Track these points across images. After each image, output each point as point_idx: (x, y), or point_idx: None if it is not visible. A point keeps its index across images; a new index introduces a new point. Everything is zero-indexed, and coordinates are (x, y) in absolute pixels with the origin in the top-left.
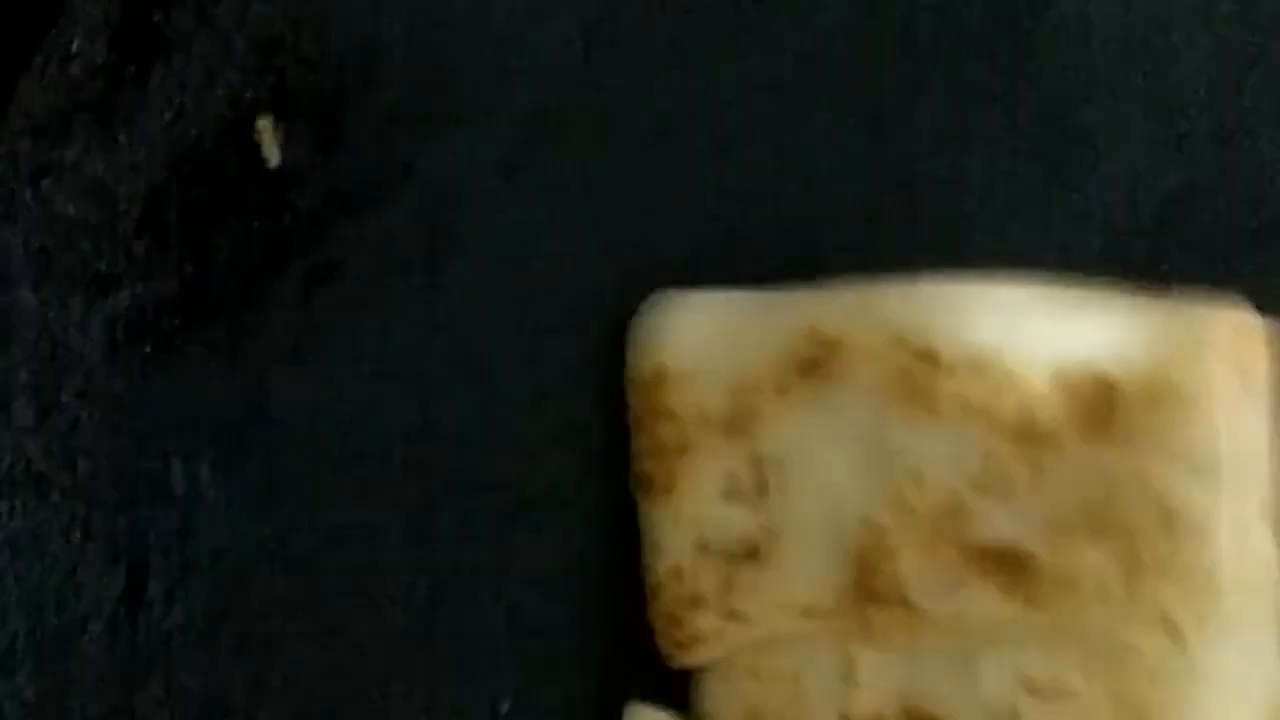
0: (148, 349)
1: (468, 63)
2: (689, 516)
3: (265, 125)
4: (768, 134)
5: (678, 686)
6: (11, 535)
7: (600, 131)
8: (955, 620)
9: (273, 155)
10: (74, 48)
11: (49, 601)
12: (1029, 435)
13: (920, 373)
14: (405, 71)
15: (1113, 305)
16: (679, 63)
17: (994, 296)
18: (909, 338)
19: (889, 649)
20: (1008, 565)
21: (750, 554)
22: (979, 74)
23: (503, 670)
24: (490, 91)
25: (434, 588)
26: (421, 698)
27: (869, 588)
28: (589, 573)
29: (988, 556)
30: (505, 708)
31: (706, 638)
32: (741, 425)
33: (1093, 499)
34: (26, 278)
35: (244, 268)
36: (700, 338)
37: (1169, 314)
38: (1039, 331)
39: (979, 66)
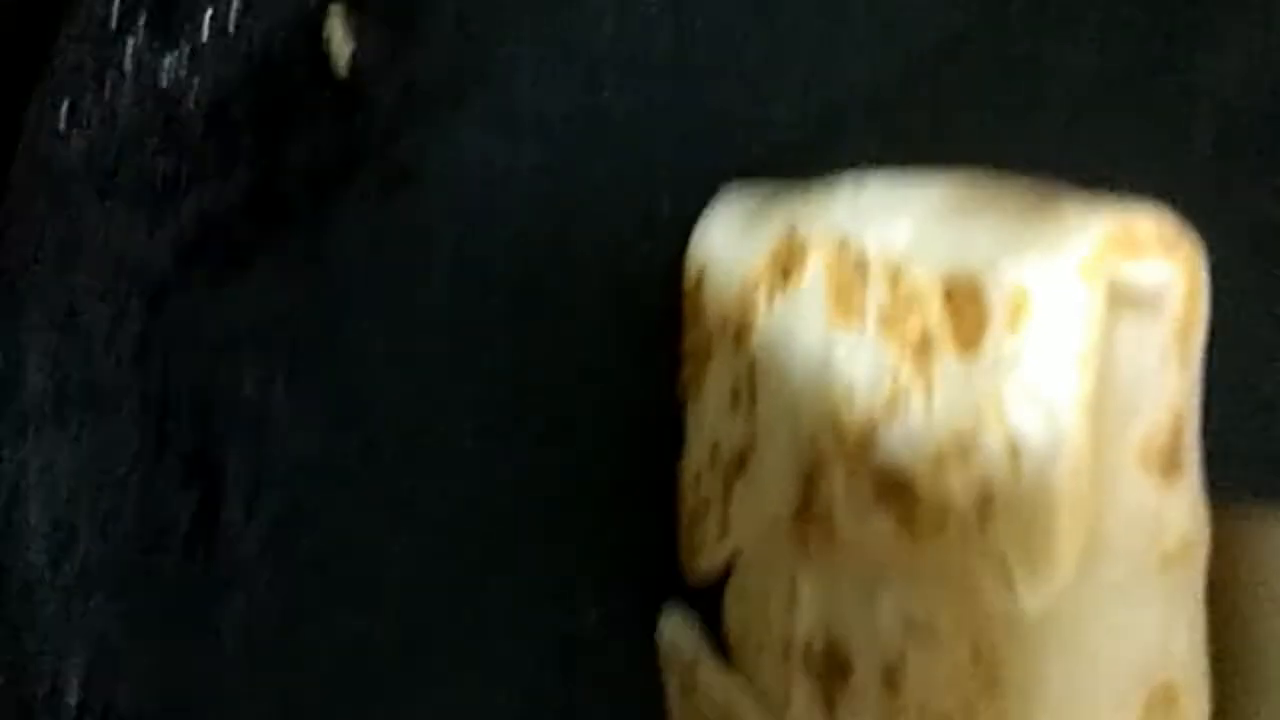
0: (218, 258)
1: None
2: (707, 423)
3: (336, 24)
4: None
5: None
6: (83, 453)
7: (692, 17)
8: (862, 549)
9: (343, 54)
10: None
11: (123, 519)
12: (924, 353)
13: (856, 282)
14: None
15: (1026, 205)
16: None
17: (921, 198)
18: (849, 240)
19: (821, 575)
20: (898, 493)
21: (741, 463)
22: None
23: (589, 582)
24: None
25: (515, 499)
26: (508, 607)
27: (810, 508)
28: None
29: (886, 483)
30: (594, 617)
31: (707, 547)
32: (744, 330)
33: (962, 425)
34: (91, 185)
35: (316, 171)
36: (725, 236)
37: (1047, 218)
38: (945, 237)
39: None
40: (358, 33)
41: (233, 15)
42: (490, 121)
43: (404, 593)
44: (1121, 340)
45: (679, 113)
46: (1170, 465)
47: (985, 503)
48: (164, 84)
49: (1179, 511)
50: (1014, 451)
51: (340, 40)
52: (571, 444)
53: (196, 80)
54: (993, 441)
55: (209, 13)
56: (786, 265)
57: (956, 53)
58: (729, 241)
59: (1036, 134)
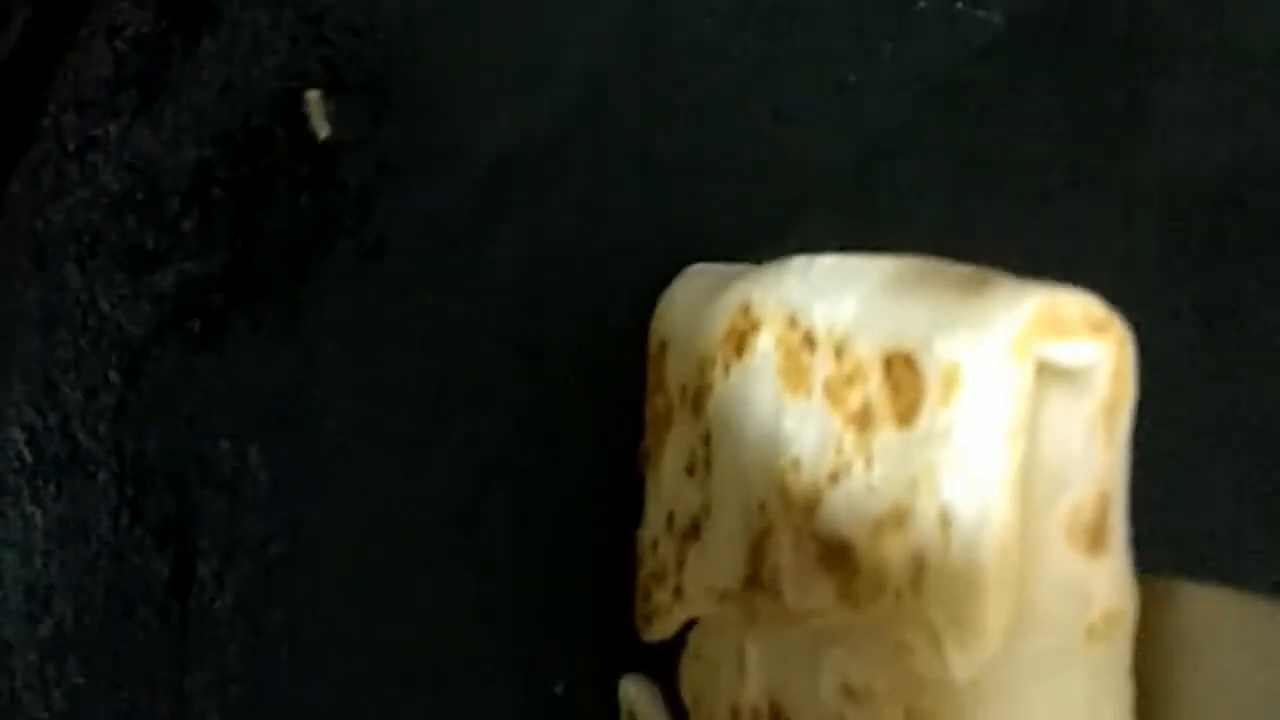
0: (195, 328)
1: (521, 32)
2: (665, 491)
3: (314, 98)
4: (826, 106)
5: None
6: (59, 518)
7: (656, 102)
8: (806, 616)
9: (321, 129)
10: (121, 18)
11: (97, 585)
12: (865, 424)
13: (804, 355)
14: (456, 42)
15: (961, 285)
16: (734, 32)
17: (866, 277)
18: (799, 316)
19: (768, 642)
20: (839, 561)
21: (695, 531)
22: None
23: (554, 653)
24: (543, 62)
25: (484, 572)
26: (473, 681)
27: (758, 576)
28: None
29: (828, 550)
30: (560, 689)
31: (661, 613)
32: (701, 399)
33: (899, 495)
34: (71, 255)
35: (292, 244)
36: (686, 310)
37: (980, 297)
38: (886, 314)
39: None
40: (334, 113)
41: (214, 94)
42: (463, 197)
43: (371, 665)
44: (1050, 417)
45: (647, 197)
46: (1097, 540)
47: (919, 572)
48: (146, 157)
49: (1105, 585)
50: (945, 522)
51: (317, 119)
52: (538, 515)
53: (177, 155)
54: (926, 512)
55: (192, 91)
56: (741, 338)
57: (911, 141)
58: (690, 314)
59: (989, 219)
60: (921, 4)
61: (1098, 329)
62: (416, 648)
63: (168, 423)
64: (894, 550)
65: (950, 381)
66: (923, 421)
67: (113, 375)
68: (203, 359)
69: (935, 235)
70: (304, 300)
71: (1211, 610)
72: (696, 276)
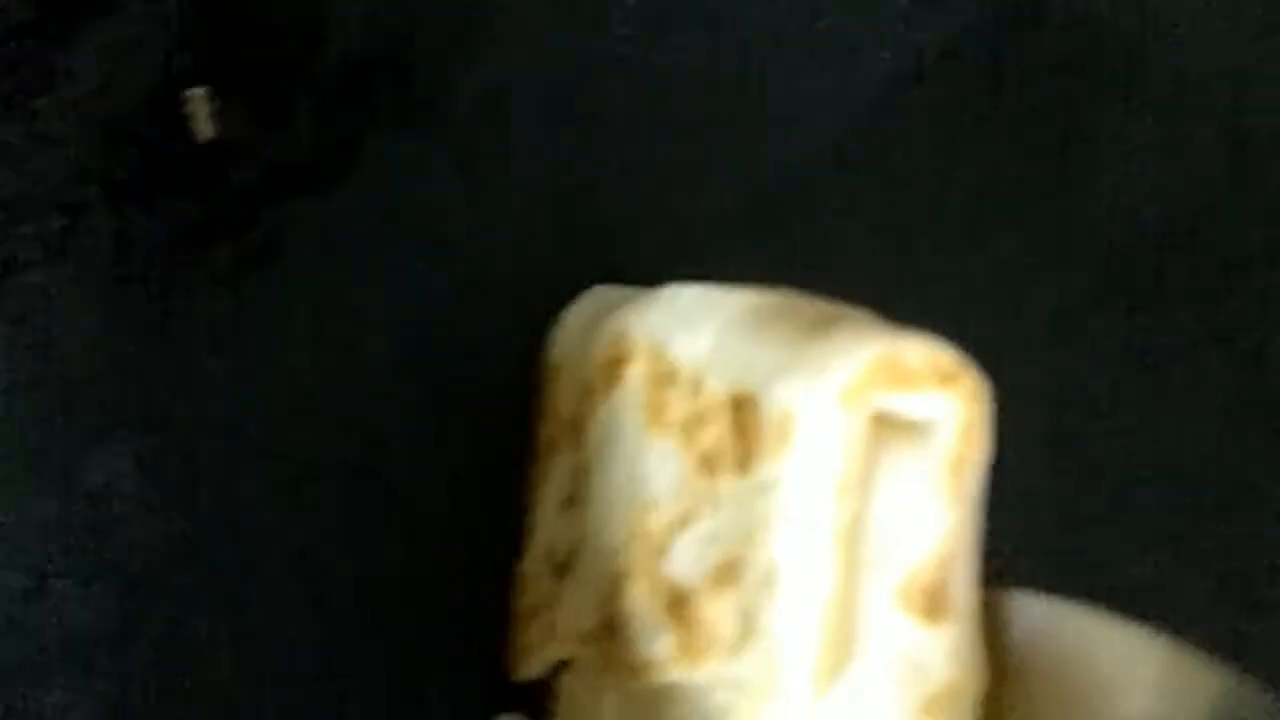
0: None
1: (424, 39)
2: (545, 522)
3: (198, 104)
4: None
5: None
6: None
7: (557, 116)
8: (649, 670)
9: (204, 129)
10: None
11: None
12: (712, 467)
13: (667, 389)
14: (355, 45)
15: (810, 324)
16: (652, 47)
17: (724, 310)
18: (663, 349)
19: (622, 694)
20: (681, 612)
21: (568, 567)
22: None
23: (427, 694)
24: (445, 72)
25: (365, 600)
26: (349, 704)
27: (614, 621)
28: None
29: (674, 600)
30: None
31: (533, 651)
32: (579, 430)
33: (736, 546)
34: None
35: (170, 248)
36: (578, 334)
37: (821, 340)
38: (738, 351)
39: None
40: (219, 114)
41: (93, 84)
42: (353, 203)
43: (236, 691)
44: (889, 472)
45: (556, 214)
46: (936, 606)
47: (746, 629)
48: (16, 153)
49: (944, 656)
50: (771, 579)
51: (202, 120)
52: (422, 546)
53: (50, 153)
54: (757, 565)
55: (68, 86)
56: (615, 367)
57: (836, 168)
58: (581, 339)
59: (915, 253)
60: (851, 26)
61: (944, 380)
62: (289, 677)
63: (32, 430)
64: (727, 605)
65: (784, 429)
66: (760, 469)
67: None
68: (71, 365)
69: (858, 268)
70: (182, 306)
71: (1044, 625)
72: (592, 300)
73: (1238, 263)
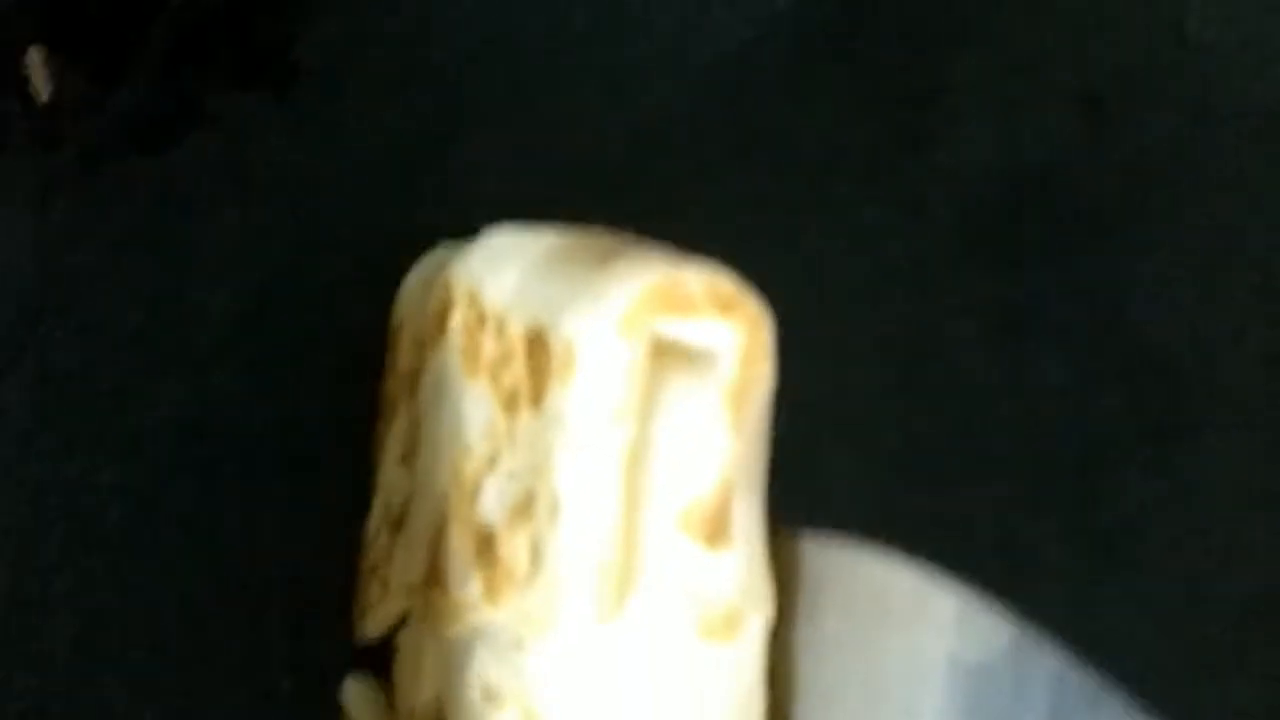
0: None
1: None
2: (386, 479)
3: (36, 62)
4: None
5: None
6: None
7: (400, 74)
8: (462, 613)
9: (43, 92)
10: None
11: None
12: (513, 406)
13: (478, 332)
14: (194, 2)
15: (599, 258)
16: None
17: (528, 250)
18: (476, 293)
19: (441, 642)
20: (487, 551)
21: (402, 521)
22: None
23: (273, 657)
24: (288, 33)
25: (216, 565)
26: (204, 678)
27: (435, 569)
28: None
29: (482, 541)
30: (288, 684)
31: (374, 607)
32: (414, 383)
33: (529, 481)
34: None
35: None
36: (419, 289)
37: (603, 271)
38: (535, 290)
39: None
40: (57, 72)
41: None
42: (195, 165)
43: (94, 664)
44: (671, 400)
45: (394, 177)
46: (717, 531)
47: (535, 561)
48: None
49: (725, 581)
50: (555, 509)
51: (41, 78)
52: (273, 506)
53: None
54: (544, 499)
55: None
56: (441, 316)
57: (687, 123)
58: (416, 299)
59: (766, 209)
60: None
61: (724, 307)
62: (141, 643)
63: None
64: (521, 540)
65: (568, 360)
66: (549, 402)
67: None
68: None
69: (706, 223)
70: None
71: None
72: (434, 258)
73: (1096, 218)
